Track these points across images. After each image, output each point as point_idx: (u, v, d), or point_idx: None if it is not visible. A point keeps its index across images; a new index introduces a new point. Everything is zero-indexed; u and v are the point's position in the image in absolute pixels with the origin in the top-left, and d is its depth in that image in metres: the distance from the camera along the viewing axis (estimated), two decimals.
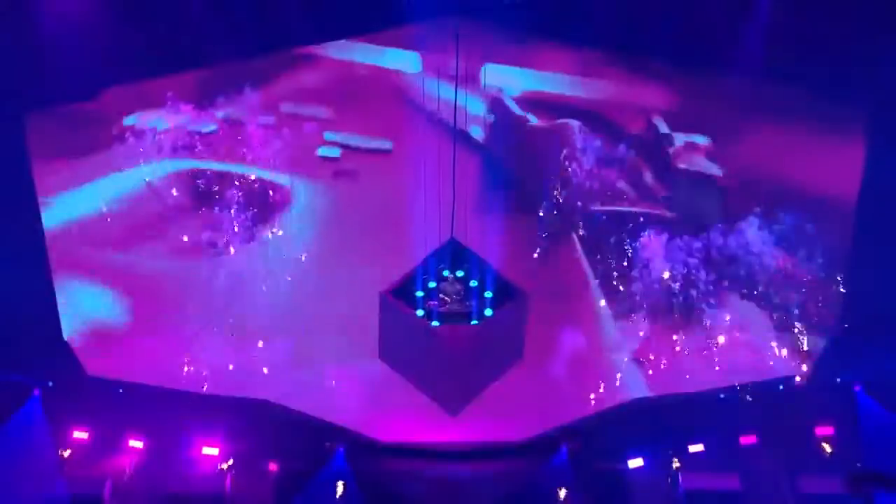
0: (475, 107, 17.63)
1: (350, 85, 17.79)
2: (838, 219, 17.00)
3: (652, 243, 17.65)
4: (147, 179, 17.53)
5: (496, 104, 17.83)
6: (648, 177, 18.01)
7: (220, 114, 17.69)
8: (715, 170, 17.82)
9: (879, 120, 16.13)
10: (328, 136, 17.93)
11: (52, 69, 15.80)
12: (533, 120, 17.94)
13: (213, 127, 17.67)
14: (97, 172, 17.43)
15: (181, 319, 17.36)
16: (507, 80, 17.77)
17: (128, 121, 17.40)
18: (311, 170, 17.89)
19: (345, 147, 17.96)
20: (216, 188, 17.67)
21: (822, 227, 17.26)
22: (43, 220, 16.32)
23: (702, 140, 17.81)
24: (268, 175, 17.79)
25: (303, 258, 17.70)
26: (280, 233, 17.67)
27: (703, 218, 17.75)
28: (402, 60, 17.68)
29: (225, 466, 16.93)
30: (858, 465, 16.06)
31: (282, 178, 17.84)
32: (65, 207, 17.21)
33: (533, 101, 17.92)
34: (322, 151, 17.93)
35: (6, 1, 15.35)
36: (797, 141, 16.93)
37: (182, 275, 17.52)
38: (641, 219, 17.84)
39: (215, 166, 17.72)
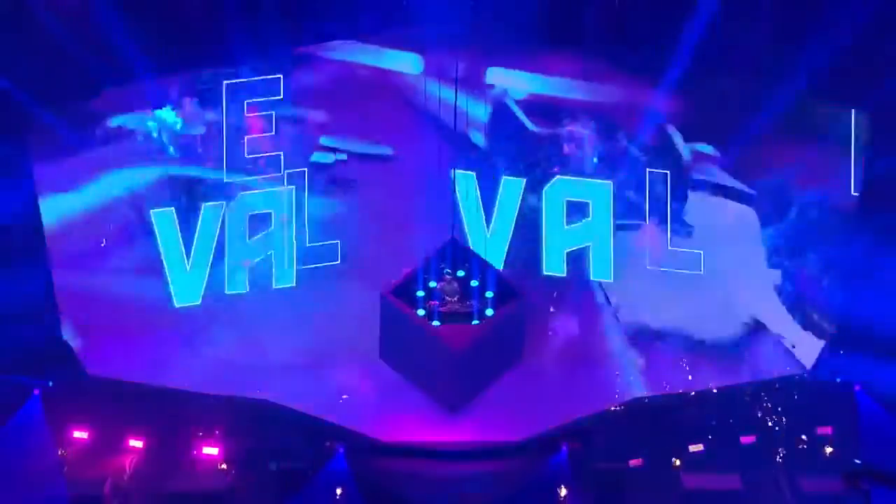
0: (477, 110, 17.59)
1: (349, 86, 17.74)
2: (838, 216, 17.07)
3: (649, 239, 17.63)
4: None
5: (499, 108, 17.78)
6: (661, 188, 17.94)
7: (209, 116, 17.54)
8: (730, 181, 17.72)
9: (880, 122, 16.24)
10: (324, 140, 17.85)
11: (52, 68, 15.86)
12: (532, 126, 17.86)
13: (201, 130, 17.50)
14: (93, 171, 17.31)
15: (182, 318, 17.32)
16: (512, 82, 17.72)
17: (116, 120, 17.23)
18: (308, 174, 17.69)
19: (343, 151, 17.83)
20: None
21: (822, 225, 17.26)
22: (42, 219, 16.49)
23: (709, 149, 17.73)
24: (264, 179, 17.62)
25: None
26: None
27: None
28: (402, 62, 17.64)
29: (225, 466, 16.96)
30: (857, 461, 16.09)
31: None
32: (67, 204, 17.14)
33: (538, 105, 17.86)
34: (315, 157, 17.81)
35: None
36: (795, 140, 16.98)
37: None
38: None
39: (207, 173, 17.55)
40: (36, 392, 16.60)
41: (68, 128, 16.73)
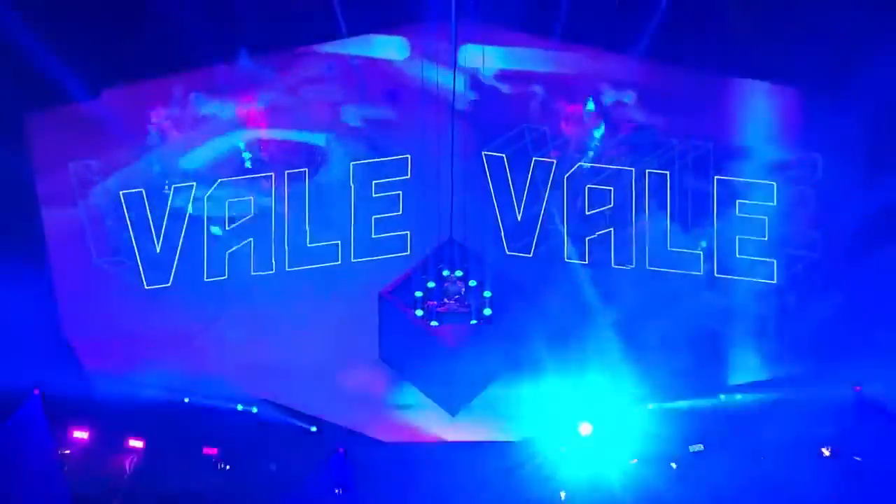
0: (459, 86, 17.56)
1: (349, 74, 17.82)
2: (838, 213, 17.04)
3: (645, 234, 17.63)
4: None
5: (475, 83, 17.76)
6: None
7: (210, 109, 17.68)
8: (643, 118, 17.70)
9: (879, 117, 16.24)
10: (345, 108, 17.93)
11: (52, 68, 15.95)
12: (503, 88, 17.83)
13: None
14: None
15: (182, 317, 17.38)
16: (483, 59, 17.67)
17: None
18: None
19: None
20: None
21: (822, 223, 17.24)
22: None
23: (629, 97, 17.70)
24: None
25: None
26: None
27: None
28: (389, 48, 17.70)
29: (225, 467, 17.00)
30: (857, 458, 16.08)
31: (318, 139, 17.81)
32: None
33: (506, 77, 17.76)
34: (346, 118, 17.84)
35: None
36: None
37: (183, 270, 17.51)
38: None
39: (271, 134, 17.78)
40: (36, 392, 16.65)
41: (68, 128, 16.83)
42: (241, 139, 17.68)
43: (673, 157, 17.51)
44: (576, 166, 17.51)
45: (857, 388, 16.85)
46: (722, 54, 16.68)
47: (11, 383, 16.33)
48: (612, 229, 17.51)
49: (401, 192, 17.39)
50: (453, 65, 16.70)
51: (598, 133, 17.58)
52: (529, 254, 17.44)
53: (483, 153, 17.33)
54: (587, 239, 17.53)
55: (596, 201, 17.50)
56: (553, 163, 17.51)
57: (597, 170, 17.59)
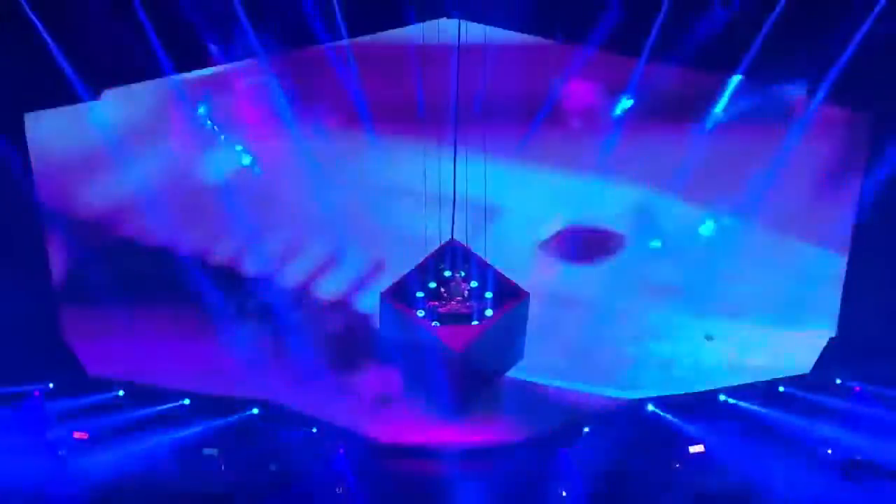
0: None
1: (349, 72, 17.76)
2: (839, 216, 17.06)
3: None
4: None
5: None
6: None
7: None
8: None
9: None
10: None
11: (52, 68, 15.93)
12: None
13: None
14: None
15: (182, 316, 17.38)
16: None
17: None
18: None
19: None
20: None
21: (822, 224, 17.27)
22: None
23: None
24: None
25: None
26: None
27: None
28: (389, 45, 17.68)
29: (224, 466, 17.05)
30: (858, 457, 16.13)
31: None
32: None
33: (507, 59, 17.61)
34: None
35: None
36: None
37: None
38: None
39: None
40: (36, 392, 16.67)
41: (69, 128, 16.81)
42: (240, 141, 17.72)
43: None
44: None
45: (857, 388, 16.97)
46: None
47: (11, 385, 16.40)
48: None
49: None
50: (456, 62, 16.66)
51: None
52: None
53: (484, 152, 17.33)
54: None
55: None
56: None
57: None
